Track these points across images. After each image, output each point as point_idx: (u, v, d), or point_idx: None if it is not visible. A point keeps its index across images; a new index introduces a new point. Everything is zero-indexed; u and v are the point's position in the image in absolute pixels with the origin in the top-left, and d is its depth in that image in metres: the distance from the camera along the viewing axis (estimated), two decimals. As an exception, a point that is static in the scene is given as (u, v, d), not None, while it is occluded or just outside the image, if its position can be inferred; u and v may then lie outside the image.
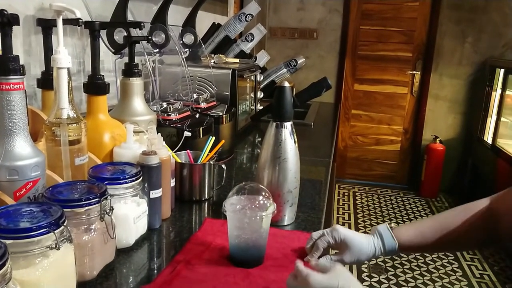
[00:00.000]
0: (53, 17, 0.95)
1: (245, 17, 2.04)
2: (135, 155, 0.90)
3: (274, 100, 0.95)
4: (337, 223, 3.40)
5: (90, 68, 0.97)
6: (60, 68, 0.77)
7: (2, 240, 0.50)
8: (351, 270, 2.77)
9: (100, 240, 0.71)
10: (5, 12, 0.67)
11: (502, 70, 3.48)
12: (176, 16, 1.77)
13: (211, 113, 1.42)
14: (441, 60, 3.91)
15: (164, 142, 0.96)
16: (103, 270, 0.74)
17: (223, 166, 1.13)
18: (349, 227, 3.24)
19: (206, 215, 1.04)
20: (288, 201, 0.96)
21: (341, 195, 4.04)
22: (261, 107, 2.07)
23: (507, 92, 3.40)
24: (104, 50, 1.15)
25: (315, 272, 0.67)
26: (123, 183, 0.80)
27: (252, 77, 1.94)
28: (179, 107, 1.29)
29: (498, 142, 3.37)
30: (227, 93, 1.62)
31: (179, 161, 1.07)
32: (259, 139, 1.87)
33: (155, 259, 0.84)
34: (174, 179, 1.01)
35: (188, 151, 1.12)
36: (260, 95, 2.09)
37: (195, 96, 1.47)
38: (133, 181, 0.81)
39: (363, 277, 2.70)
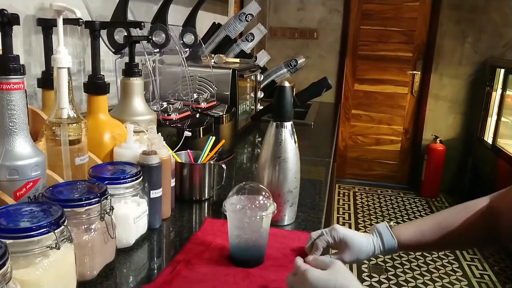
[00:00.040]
0: (54, 17, 0.96)
1: (245, 17, 2.04)
2: (135, 155, 0.90)
3: (274, 100, 0.95)
4: (337, 223, 3.40)
5: (91, 68, 0.97)
6: (60, 67, 0.77)
7: (2, 240, 0.50)
8: (351, 270, 2.77)
9: (100, 240, 0.71)
10: (6, 12, 0.67)
11: (502, 70, 3.48)
12: (176, 16, 1.77)
13: (211, 113, 1.42)
14: (441, 60, 3.91)
15: (164, 142, 0.96)
16: (103, 270, 0.74)
17: (223, 166, 1.13)
18: (349, 227, 3.24)
19: (206, 215, 1.04)
20: (288, 201, 0.96)
21: (341, 195, 4.04)
22: (261, 107, 2.07)
23: (507, 92, 3.40)
24: (105, 50, 1.15)
25: (314, 268, 0.67)
26: (123, 183, 0.80)
27: (252, 77, 1.94)
28: (179, 107, 1.29)
29: (498, 142, 3.37)
30: (227, 93, 1.62)
31: (179, 161, 1.07)
32: (259, 139, 1.87)
33: (155, 259, 0.84)
34: (174, 179, 1.01)
35: (188, 151, 1.12)
36: (260, 95, 2.09)
37: (195, 96, 1.47)
38: (133, 181, 0.81)
39: (363, 277, 2.70)
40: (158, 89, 1.39)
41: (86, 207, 0.68)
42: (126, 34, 1.19)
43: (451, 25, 3.83)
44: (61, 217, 0.60)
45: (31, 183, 0.70)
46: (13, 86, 0.67)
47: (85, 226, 0.70)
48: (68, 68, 0.79)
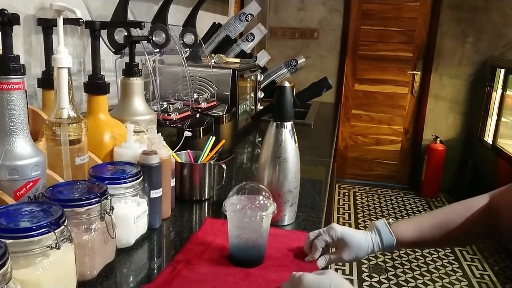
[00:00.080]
0: (54, 17, 0.96)
1: (246, 17, 2.04)
2: (136, 155, 0.90)
3: (275, 100, 0.95)
4: (337, 223, 3.40)
5: (91, 68, 0.97)
6: (60, 67, 0.78)
7: (3, 240, 0.50)
8: (351, 270, 2.77)
9: (100, 240, 0.71)
10: (6, 12, 0.67)
11: (502, 70, 3.48)
12: (176, 15, 1.77)
13: (211, 113, 1.42)
14: (441, 60, 3.91)
15: (164, 142, 0.96)
16: (103, 270, 0.74)
17: (223, 166, 1.13)
18: (350, 227, 3.24)
19: (206, 215, 1.04)
20: (288, 201, 0.96)
21: (341, 195, 4.04)
22: (262, 107, 2.07)
23: (508, 92, 3.40)
24: (105, 50, 1.15)
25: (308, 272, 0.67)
26: (124, 182, 0.80)
27: (253, 77, 1.94)
28: (180, 107, 1.29)
29: (498, 142, 3.37)
30: (227, 93, 1.62)
31: (179, 161, 1.07)
32: (260, 139, 1.87)
33: (155, 258, 0.84)
34: (174, 179, 1.01)
35: (189, 151, 1.12)
36: (260, 95, 2.09)
37: (195, 96, 1.47)
38: (133, 180, 0.81)
39: (363, 277, 2.70)
40: (158, 89, 1.39)
41: (86, 207, 0.68)
42: (126, 34, 1.19)
43: (451, 25, 3.83)
44: (61, 217, 0.60)
45: (31, 183, 0.70)
46: (13, 86, 0.67)
47: (85, 226, 0.70)
48: (68, 68, 0.79)
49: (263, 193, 0.82)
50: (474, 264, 2.90)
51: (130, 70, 1.04)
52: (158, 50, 1.40)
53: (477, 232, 0.84)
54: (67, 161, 0.80)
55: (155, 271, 0.78)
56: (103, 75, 0.97)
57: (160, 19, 1.41)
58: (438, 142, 3.89)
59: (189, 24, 1.67)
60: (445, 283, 2.65)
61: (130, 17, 1.40)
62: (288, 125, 0.95)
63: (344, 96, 4.19)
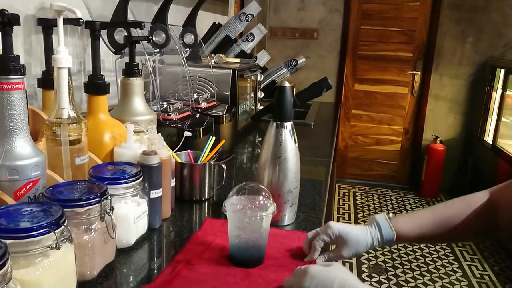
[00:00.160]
0: (54, 17, 0.96)
1: (246, 17, 2.04)
2: (136, 155, 0.90)
3: (275, 100, 0.95)
4: (337, 223, 3.40)
5: (91, 68, 0.97)
6: (60, 68, 0.78)
7: (3, 240, 0.50)
8: (351, 270, 2.77)
9: (100, 240, 0.71)
10: (6, 12, 0.67)
11: (502, 70, 3.48)
12: (176, 16, 1.77)
13: (211, 113, 1.42)
14: (441, 60, 3.91)
15: (164, 142, 0.96)
16: (103, 270, 0.74)
17: (223, 166, 1.13)
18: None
19: (206, 215, 1.04)
20: (288, 201, 0.96)
21: (341, 195, 4.04)
22: (262, 107, 2.07)
23: (508, 92, 3.40)
24: (105, 50, 1.15)
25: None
26: (124, 183, 0.80)
27: (253, 77, 1.94)
28: (180, 107, 1.29)
29: (498, 142, 3.37)
30: (227, 93, 1.62)
31: (179, 161, 1.07)
32: (260, 139, 1.87)
33: (155, 259, 0.84)
34: (174, 179, 1.01)
35: (189, 151, 1.12)
36: (260, 95, 2.09)
37: (195, 96, 1.47)
38: (133, 181, 0.81)
39: (363, 277, 2.70)
40: (158, 89, 1.39)
41: (86, 207, 0.68)
42: (126, 34, 1.19)
43: (451, 25, 3.83)
44: (61, 217, 0.60)
45: (31, 183, 0.70)
46: (13, 86, 0.67)
47: (85, 226, 0.70)
48: (69, 68, 0.79)
49: (263, 193, 0.82)
50: (474, 264, 2.90)
51: (130, 70, 1.04)
52: (158, 50, 1.40)
53: (477, 229, 0.84)
54: (67, 161, 0.80)
55: (155, 271, 0.78)
56: (103, 75, 0.97)
57: (160, 19, 1.41)
58: (438, 142, 3.89)
59: (189, 24, 1.67)
60: (445, 283, 2.65)
61: (130, 17, 1.40)
62: (288, 125, 0.95)
63: (344, 96, 4.19)
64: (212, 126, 1.34)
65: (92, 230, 0.70)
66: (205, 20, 2.30)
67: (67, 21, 0.95)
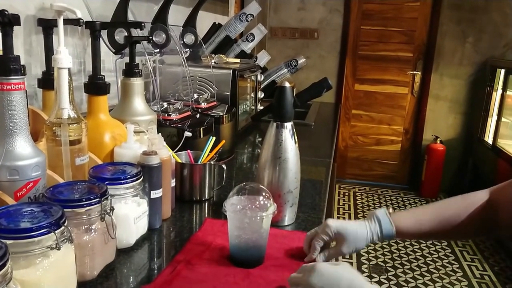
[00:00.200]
0: (54, 17, 0.96)
1: (246, 17, 2.04)
2: (136, 155, 0.90)
3: (275, 100, 0.95)
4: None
5: (91, 68, 0.97)
6: (60, 68, 0.78)
7: (3, 240, 0.50)
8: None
9: (100, 240, 0.71)
10: (6, 12, 0.68)
11: (502, 71, 3.48)
12: (176, 16, 1.77)
13: (211, 113, 1.42)
14: (441, 60, 3.91)
15: (164, 142, 0.96)
16: (104, 270, 0.74)
17: (224, 166, 1.13)
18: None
19: (206, 215, 1.04)
20: (289, 201, 0.96)
21: (341, 195, 4.04)
22: (262, 107, 2.07)
23: (508, 93, 3.39)
24: (105, 50, 1.15)
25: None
26: (124, 183, 0.80)
27: (253, 77, 1.94)
28: (180, 107, 1.29)
29: (498, 142, 3.37)
30: (227, 93, 1.62)
31: (179, 161, 1.07)
32: (260, 139, 1.87)
33: (155, 259, 0.84)
34: (174, 179, 1.01)
35: (189, 151, 1.12)
36: (260, 95, 2.09)
37: (195, 96, 1.47)
38: (133, 181, 0.81)
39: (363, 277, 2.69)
40: (159, 89, 1.39)
41: (87, 208, 0.68)
42: (126, 34, 1.19)
43: (451, 25, 3.83)
44: (62, 218, 0.60)
45: (32, 184, 0.70)
46: (13, 87, 0.67)
47: (86, 226, 0.70)
48: (69, 69, 0.79)
49: (263, 194, 0.82)
50: (474, 264, 2.90)
51: (130, 71, 1.04)
52: (158, 50, 1.40)
53: (477, 227, 0.84)
54: (68, 161, 0.80)
55: (155, 271, 0.78)
56: (103, 76, 0.97)
57: (160, 19, 1.41)
58: (438, 142, 3.89)
59: (189, 24, 1.67)
60: (445, 283, 2.65)
61: (130, 17, 1.40)
62: (288, 125, 0.95)
63: (344, 96, 4.19)
64: (212, 126, 1.34)
65: (92, 231, 0.70)
66: (205, 20, 2.31)
67: (67, 21, 0.95)
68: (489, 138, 3.56)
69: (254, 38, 2.20)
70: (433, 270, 2.80)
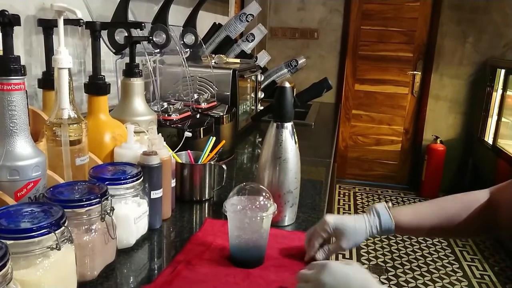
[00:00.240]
0: (54, 18, 0.96)
1: (246, 17, 2.04)
2: (136, 155, 0.90)
3: (275, 101, 0.95)
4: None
5: (91, 68, 0.97)
6: (61, 68, 0.78)
7: (3, 241, 0.50)
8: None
9: (100, 241, 0.72)
10: (6, 13, 0.68)
11: (503, 71, 3.48)
12: (177, 16, 1.77)
13: (211, 113, 1.42)
14: (441, 60, 3.91)
15: (164, 142, 0.96)
16: (104, 270, 0.74)
17: (224, 166, 1.13)
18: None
19: (206, 216, 1.04)
20: (289, 202, 0.96)
21: (341, 195, 4.04)
22: (262, 108, 2.07)
23: (508, 93, 3.39)
24: (105, 50, 1.15)
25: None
26: (124, 183, 0.80)
27: (253, 77, 1.94)
28: (180, 107, 1.29)
29: (498, 142, 3.37)
30: (227, 93, 1.62)
31: (179, 161, 1.07)
32: (260, 140, 1.87)
33: (155, 259, 0.84)
34: (174, 180, 1.01)
35: (189, 151, 1.12)
36: (260, 95, 2.09)
37: (195, 96, 1.47)
38: (133, 181, 0.81)
39: (363, 277, 2.69)
40: (159, 90, 1.39)
41: (87, 208, 0.68)
42: (126, 34, 1.19)
43: (451, 25, 3.83)
44: (62, 218, 0.60)
45: (32, 184, 0.70)
46: (13, 87, 0.67)
47: (86, 226, 0.70)
48: (69, 69, 0.79)
49: (264, 194, 0.82)
50: (474, 265, 2.89)
51: (131, 71, 1.04)
52: (158, 50, 1.40)
53: (477, 227, 0.84)
54: (68, 161, 0.80)
55: (156, 271, 0.78)
56: (104, 76, 0.97)
57: (161, 19, 1.41)
58: (438, 142, 3.89)
59: (190, 24, 1.67)
60: (445, 283, 2.65)
61: (131, 17, 1.40)
62: (289, 125, 0.95)
63: (344, 96, 4.19)
64: (212, 126, 1.34)
65: (93, 231, 0.70)
66: (205, 21, 2.31)
67: (67, 22, 0.95)
68: (489, 138, 3.56)
69: (254, 38, 2.20)
70: (433, 270, 2.80)
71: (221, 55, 1.83)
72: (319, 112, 2.53)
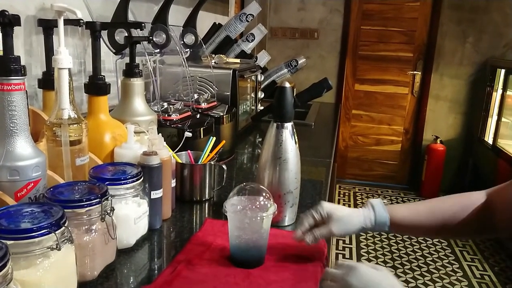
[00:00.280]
0: (54, 18, 0.96)
1: (246, 17, 2.04)
2: (136, 156, 0.90)
3: (275, 101, 0.95)
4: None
5: (91, 69, 0.97)
6: (61, 68, 0.78)
7: (3, 241, 0.50)
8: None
9: (101, 241, 0.72)
10: (6, 13, 0.68)
11: (503, 71, 3.48)
12: (177, 16, 1.77)
13: (211, 114, 1.42)
14: (442, 60, 3.91)
15: (164, 142, 0.96)
16: (104, 271, 0.74)
17: (224, 166, 1.13)
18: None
19: (206, 216, 1.04)
20: (289, 202, 0.96)
21: (341, 195, 4.04)
22: (262, 108, 2.07)
23: (508, 93, 3.40)
24: (105, 51, 1.15)
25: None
26: (124, 183, 0.80)
27: (253, 77, 1.94)
28: (180, 108, 1.29)
29: (498, 142, 3.37)
30: (227, 93, 1.62)
31: (179, 161, 1.07)
32: (260, 140, 1.87)
33: (155, 259, 0.84)
34: (174, 180, 1.01)
35: (189, 151, 1.12)
36: (260, 95, 2.09)
37: (195, 96, 1.47)
38: (134, 181, 0.81)
39: (363, 277, 2.69)
40: (159, 90, 1.39)
41: (87, 208, 0.68)
42: (126, 34, 1.19)
43: (451, 25, 3.83)
44: (62, 218, 0.60)
45: (32, 184, 0.70)
46: (14, 87, 0.67)
47: (86, 227, 0.70)
48: (69, 69, 0.79)
49: (264, 194, 0.82)
50: (475, 265, 2.89)
51: (131, 71, 1.04)
52: (158, 50, 1.40)
53: (474, 228, 0.84)
54: (68, 161, 0.80)
55: (156, 271, 0.78)
56: (104, 76, 0.97)
57: (161, 19, 1.41)
58: (438, 142, 3.89)
59: (190, 24, 1.67)
60: (446, 283, 2.65)
61: (131, 17, 1.40)
62: (289, 125, 0.95)
63: (344, 96, 4.19)
64: (212, 126, 1.34)
65: (93, 231, 0.70)
66: (205, 21, 2.31)
67: (67, 22, 0.95)
68: (489, 138, 3.56)
69: (254, 38, 2.20)
70: (433, 270, 2.80)
71: (221, 55, 1.83)
72: (319, 112, 2.53)
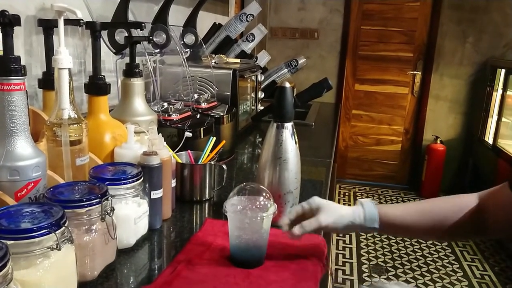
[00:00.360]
0: (54, 18, 0.96)
1: (246, 17, 2.04)
2: (136, 156, 0.90)
3: (275, 101, 0.95)
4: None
5: (91, 69, 0.97)
6: (61, 68, 0.78)
7: (3, 241, 0.50)
8: (351, 269, 2.77)
9: (101, 241, 0.72)
10: (6, 13, 0.68)
11: (503, 71, 3.48)
12: (177, 16, 1.77)
13: (212, 114, 1.42)
14: (442, 60, 3.91)
15: (165, 142, 0.96)
16: (104, 271, 0.74)
17: (224, 166, 1.13)
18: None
19: (206, 216, 1.04)
20: (289, 202, 0.96)
21: (341, 195, 4.04)
22: (262, 108, 2.07)
23: (508, 93, 3.40)
24: (105, 51, 1.15)
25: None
26: (124, 183, 0.80)
27: (253, 77, 1.94)
28: (180, 108, 1.29)
29: (499, 142, 3.37)
30: (228, 93, 1.62)
31: (180, 161, 1.07)
32: (260, 140, 1.87)
33: (155, 259, 0.84)
34: (175, 180, 1.01)
35: (189, 151, 1.12)
36: (261, 95, 2.09)
37: (196, 96, 1.47)
38: (134, 181, 0.81)
39: (363, 277, 2.70)
40: (159, 90, 1.39)
41: (87, 208, 0.68)
42: (127, 34, 1.19)
43: (451, 25, 3.83)
44: (62, 218, 0.60)
45: (32, 184, 0.70)
46: (14, 87, 0.67)
47: (86, 227, 0.70)
48: (69, 69, 0.79)
49: (264, 194, 0.82)
50: (475, 265, 2.90)
51: (131, 71, 1.04)
52: (158, 50, 1.40)
53: (467, 231, 0.83)
54: (68, 162, 0.80)
55: (156, 271, 0.78)
56: (104, 76, 0.97)
57: (161, 19, 1.41)
58: (439, 142, 3.89)
59: (190, 24, 1.67)
60: (446, 283, 2.65)
61: (131, 17, 1.40)
62: (289, 125, 0.95)
63: (344, 96, 4.19)
64: (212, 126, 1.34)
65: (93, 231, 0.70)
66: (205, 21, 2.31)
67: (67, 22, 0.95)
68: (489, 138, 3.56)
69: (254, 38, 2.20)
70: (433, 270, 2.80)
71: (221, 55, 1.83)
72: (319, 112, 2.53)
